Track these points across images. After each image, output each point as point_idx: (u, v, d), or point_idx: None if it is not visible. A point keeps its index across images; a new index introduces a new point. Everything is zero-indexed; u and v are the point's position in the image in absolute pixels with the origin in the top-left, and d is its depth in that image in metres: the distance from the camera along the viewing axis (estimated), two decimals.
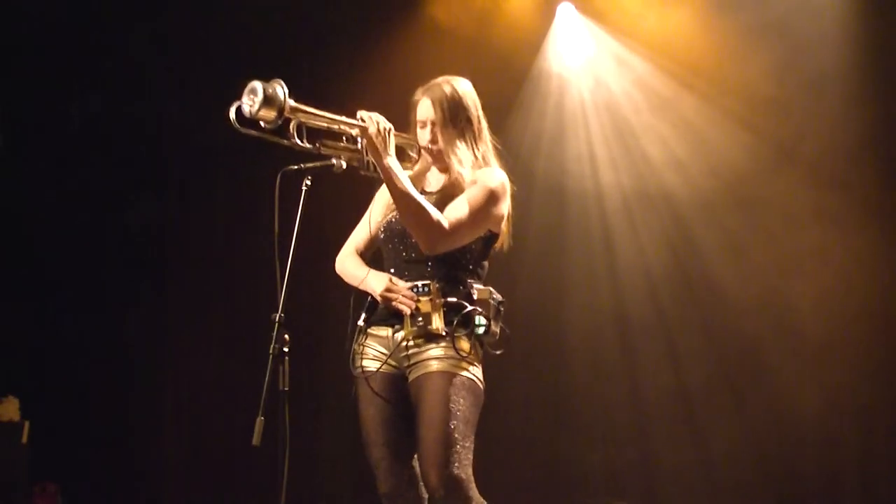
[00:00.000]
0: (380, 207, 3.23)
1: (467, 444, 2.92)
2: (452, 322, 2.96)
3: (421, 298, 2.98)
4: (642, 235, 5.44)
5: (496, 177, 3.09)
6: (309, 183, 3.06)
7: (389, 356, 3.04)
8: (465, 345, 2.97)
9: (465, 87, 3.16)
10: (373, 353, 3.09)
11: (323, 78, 5.51)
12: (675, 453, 5.25)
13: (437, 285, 2.98)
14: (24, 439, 5.10)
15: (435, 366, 2.96)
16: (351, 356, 3.12)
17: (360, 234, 3.31)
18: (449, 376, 2.94)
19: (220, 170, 5.60)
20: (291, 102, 2.81)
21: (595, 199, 5.50)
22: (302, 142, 2.93)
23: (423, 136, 3.14)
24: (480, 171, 3.10)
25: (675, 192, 5.38)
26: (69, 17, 5.48)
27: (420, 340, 2.99)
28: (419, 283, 3.00)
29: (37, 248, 5.55)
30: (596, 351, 5.42)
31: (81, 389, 5.44)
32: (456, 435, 2.90)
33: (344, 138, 3.01)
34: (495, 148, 3.19)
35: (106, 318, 5.54)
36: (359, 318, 3.13)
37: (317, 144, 2.96)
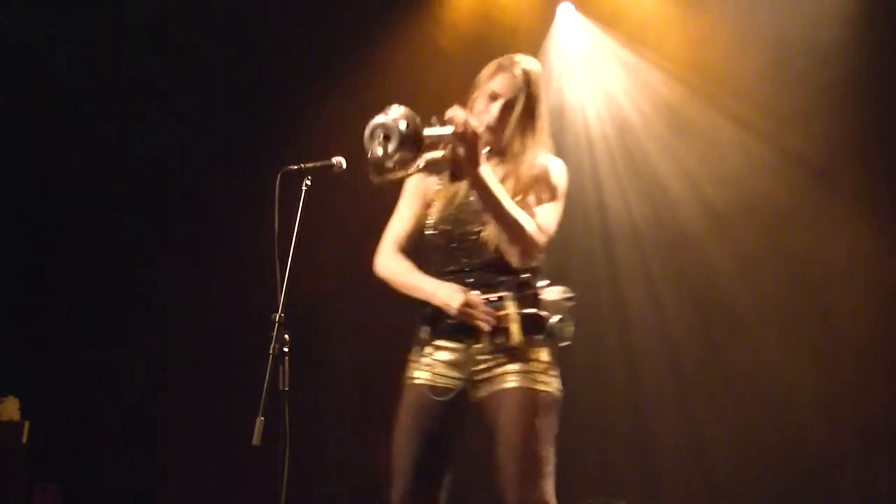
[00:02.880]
0: (414, 199, 3.00)
1: (550, 469, 2.77)
2: (532, 334, 2.77)
3: (498, 313, 2.77)
4: (643, 234, 5.44)
5: (560, 170, 2.89)
6: (309, 183, 3.05)
7: (459, 370, 2.84)
8: (545, 356, 2.81)
9: (539, 67, 2.93)
10: (435, 366, 2.88)
11: (320, 81, 5.51)
12: (675, 454, 5.25)
13: (512, 295, 2.78)
14: (24, 439, 5.10)
15: (514, 382, 2.78)
16: (409, 365, 2.95)
17: (399, 231, 3.05)
18: (530, 394, 2.76)
19: (219, 169, 5.60)
20: (425, 131, 2.50)
21: (596, 202, 5.50)
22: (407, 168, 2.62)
23: (486, 105, 2.87)
24: (544, 161, 2.87)
25: (677, 194, 5.38)
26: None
27: (497, 354, 2.80)
28: (493, 297, 2.79)
29: (37, 248, 5.55)
30: (596, 353, 5.42)
31: (81, 389, 5.44)
32: (540, 458, 2.75)
33: (442, 145, 2.73)
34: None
35: (106, 318, 5.54)
36: (422, 329, 2.92)
37: (419, 165, 2.71)
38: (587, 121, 5.54)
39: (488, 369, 2.82)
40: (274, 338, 2.87)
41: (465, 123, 2.61)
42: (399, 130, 2.48)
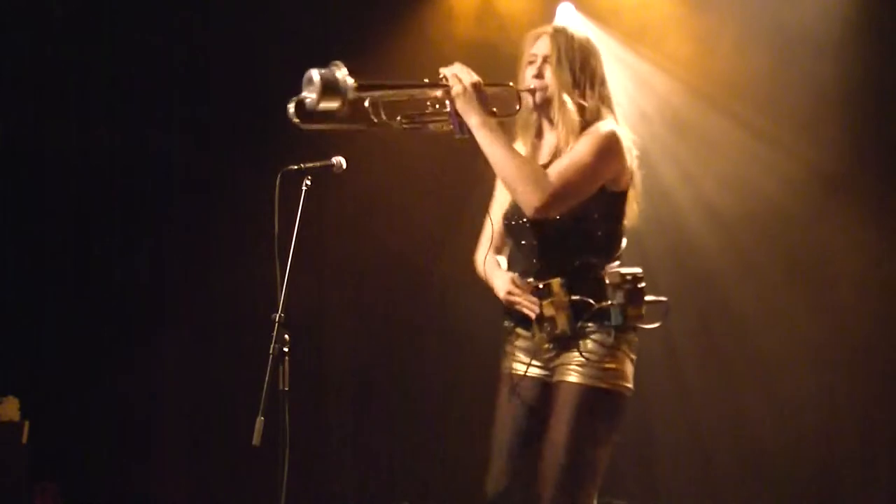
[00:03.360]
0: (501, 193, 2.94)
1: (586, 472, 2.74)
2: (583, 322, 2.71)
3: (543, 301, 2.71)
4: (643, 235, 5.42)
5: (605, 127, 2.75)
6: (309, 183, 3.06)
7: (533, 357, 2.81)
8: (600, 346, 2.72)
9: (587, 35, 2.90)
10: (520, 355, 2.86)
11: None
12: (675, 454, 5.25)
13: (561, 281, 2.69)
14: (24, 439, 5.09)
15: (571, 375, 2.72)
16: (503, 355, 2.92)
17: (489, 228, 2.97)
18: (576, 390, 2.70)
19: (219, 169, 5.59)
20: (351, 82, 2.57)
21: None
22: (383, 120, 2.70)
23: (530, 72, 2.86)
24: (597, 125, 2.76)
25: (677, 194, 5.37)
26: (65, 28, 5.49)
27: (557, 343, 2.75)
28: (540, 285, 2.72)
29: (37, 248, 5.55)
30: None
31: (81, 389, 5.44)
32: (574, 461, 2.71)
33: (429, 104, 2.77)
34: (611, 103, 2.88)
35: (106, 318, 5.54)
36: (505, 319, 2.91)
37: (399, 120, 2.75)
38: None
39: (551, 359, 2.80)
40: (274, 338, 2.88)
41: (454, 77, 2.69)
42: (316, 81, 2.57)
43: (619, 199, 2.82)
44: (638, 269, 2.75)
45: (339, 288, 5.63)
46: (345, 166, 3.16)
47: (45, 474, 5.25)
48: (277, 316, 2.90)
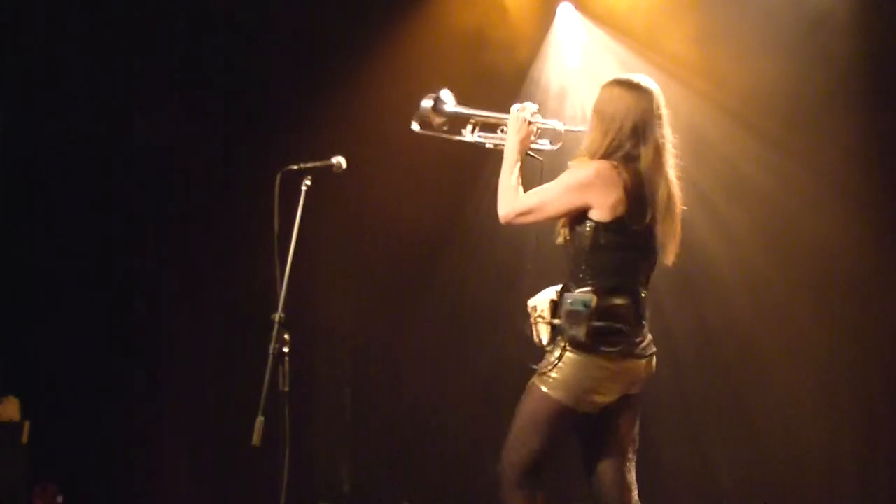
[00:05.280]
0: None
1: (519, 447, 3.10)
2: (552, 336, 3.12)
3: (532, 315, 3.18)
4: None
5: (587, 164, 3.15)
6: (309, 183, 3.06)
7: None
8: (553, 357, 3.08)
9: (638, 87, 3.20)
10: None
11: (321, 80, 5.51)
12: (676, 456, 5.25)
13: (552, 300, 3.12)
14: (24, 439, 5.10)
15: (534, 377, 3.14)
16: None
17: None
18: (530, 388, 3.14)
19: (219, 170, 5.60)
20: (431, 107, 3.28)
21: None
22: (470, 135, 3.36)
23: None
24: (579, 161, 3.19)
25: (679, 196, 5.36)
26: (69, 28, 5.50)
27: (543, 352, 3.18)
28: (533, 302, 3.18)
29: (37, 248, 5.55)
30: None
31: (81, 389, 5.44)
32: (515, 436, 3.12)
33: (500, 128, 3.37)
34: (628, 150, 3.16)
35: (106, 318, 5.54)
36: None
37: (480, 137, 3.37)
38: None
39: None
40: (274, 338, 2.88)
41: (513, 110, 3.24)
42: (425, 104, 3.31)
43: (606, 228, 3.08)
44: (586, 298, 3.05)
45: (340, 288, 5.63)
46: (345, 166, 3.17)
47: (45, 474, 5.25)
48: (277, 316, 2.90)
